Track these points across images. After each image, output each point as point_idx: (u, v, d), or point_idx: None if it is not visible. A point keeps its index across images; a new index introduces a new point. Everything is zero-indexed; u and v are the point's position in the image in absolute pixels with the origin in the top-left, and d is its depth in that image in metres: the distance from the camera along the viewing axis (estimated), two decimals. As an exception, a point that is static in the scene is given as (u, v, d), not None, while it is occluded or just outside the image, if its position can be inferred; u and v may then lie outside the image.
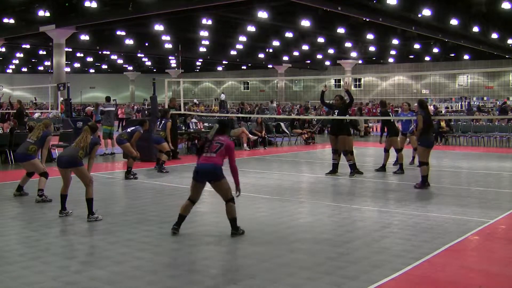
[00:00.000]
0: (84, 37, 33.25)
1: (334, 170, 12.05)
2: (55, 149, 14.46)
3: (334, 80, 55.35)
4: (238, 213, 6.73)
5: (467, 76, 49.09)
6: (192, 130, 17.59)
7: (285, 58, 48.19)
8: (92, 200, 7.55)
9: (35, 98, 49.52)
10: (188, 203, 6.65)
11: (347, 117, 12.05)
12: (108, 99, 17.80)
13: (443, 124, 20.74)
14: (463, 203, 8.80)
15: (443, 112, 32.44)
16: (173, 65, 52.55)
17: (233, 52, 44.91)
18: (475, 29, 29.31)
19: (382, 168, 12.58)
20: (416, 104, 10.90)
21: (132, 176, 11.49)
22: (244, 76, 57.23)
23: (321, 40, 37.18)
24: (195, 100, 49.00)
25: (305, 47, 40.81)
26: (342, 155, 11.96)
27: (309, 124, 22.66)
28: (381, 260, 5.62)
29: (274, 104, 35.13)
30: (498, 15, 27.06)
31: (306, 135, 20.95)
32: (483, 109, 33.57)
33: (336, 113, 11.79)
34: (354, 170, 11.90)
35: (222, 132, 6.66)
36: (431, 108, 27.11)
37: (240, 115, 23.33)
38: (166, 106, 15.12)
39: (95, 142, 7.85)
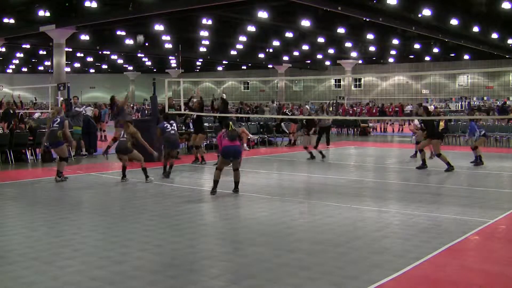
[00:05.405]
0: (84, 37, 33.20)
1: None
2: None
3: (334, 80, 55.30)
4: (238, 213, 7.66)
5: (467, 76, 49.05)
6: (192, 130, 17.55)
7: (285, 58, 48.16)
8: (61, 172, 10.52)
9: (35, 98, 49.47)
10: (217, 172, 9.19)
11: (318, 117, 12.36)
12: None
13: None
14: (463, 203, 8.80)
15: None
16: (173, 65, 52.49)
17: (233, 52, 44.85)
18: (475, 29, 29.29)
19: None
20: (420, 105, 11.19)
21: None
22: (244, 76, 57.13)
23: (321, 40, 37.13)
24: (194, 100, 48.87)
25: (305, 47, 40.79)
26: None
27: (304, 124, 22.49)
28: (381, 260, 5.62)
29: (274, 104, 35.08)
30: (498, 15, 27.03)
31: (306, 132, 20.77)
32: (483, 108, 33.53)
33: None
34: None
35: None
36: (431, 107, 27.09)
37: (240, 115, 23.28)
38: (166, 106, 15.13)
39: (63, 119, 10.79)
